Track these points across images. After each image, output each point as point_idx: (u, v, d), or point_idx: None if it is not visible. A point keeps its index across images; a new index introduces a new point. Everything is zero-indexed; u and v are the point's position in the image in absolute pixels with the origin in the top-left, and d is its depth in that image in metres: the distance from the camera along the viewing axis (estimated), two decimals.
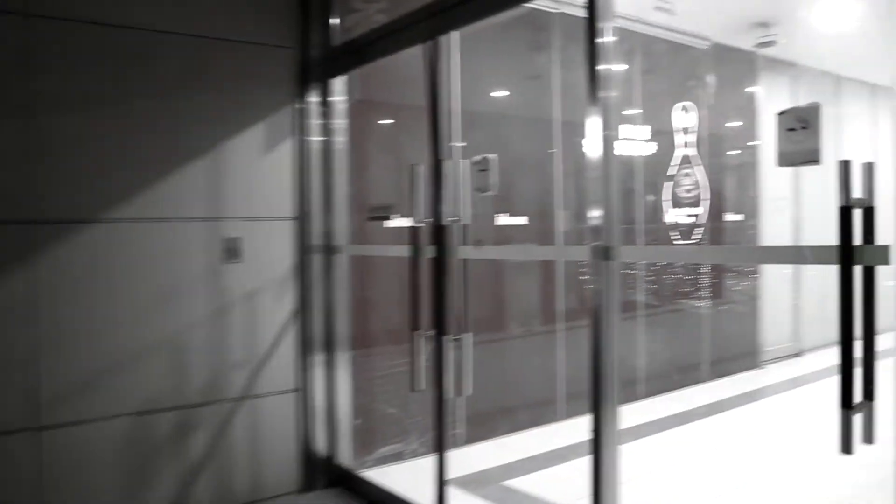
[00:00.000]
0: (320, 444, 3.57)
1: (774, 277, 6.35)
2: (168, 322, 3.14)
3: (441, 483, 2.91)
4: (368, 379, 3.91)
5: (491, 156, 2.75)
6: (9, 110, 2.78)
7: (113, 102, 3.01)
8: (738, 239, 6.16)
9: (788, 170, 5.24)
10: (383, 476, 3.46)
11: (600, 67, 2.23)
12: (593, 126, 2.24)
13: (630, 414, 4.26)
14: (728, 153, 6.23)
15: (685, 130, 5.64)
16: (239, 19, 3.34)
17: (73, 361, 2.92)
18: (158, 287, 3.12)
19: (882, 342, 1.82)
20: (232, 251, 3.31)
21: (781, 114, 1.80)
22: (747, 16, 5.39)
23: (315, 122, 3.54)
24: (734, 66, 6.07)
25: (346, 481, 3.54)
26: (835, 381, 1.70)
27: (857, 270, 1.67)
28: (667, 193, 5.59)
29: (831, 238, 1.70)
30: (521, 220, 4.38)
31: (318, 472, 3.55)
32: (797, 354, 6.48)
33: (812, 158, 1.74)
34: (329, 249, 3.57)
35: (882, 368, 1.74)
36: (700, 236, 5.66)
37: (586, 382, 2.27)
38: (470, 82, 3.21)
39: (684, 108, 5.64)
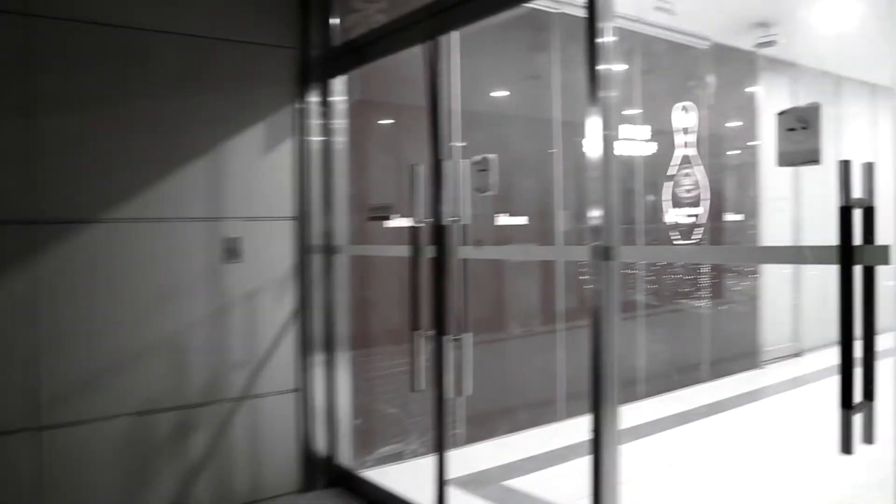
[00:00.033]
0: (320, 444, 3.57)
1: (774, 277, 6.35)
2: (168, 322, 3.15)
3: (441, 483, 2.91)
4: (368, 379, 3.91)
5: (491, 156, 2.75)
6: (9, 110, 2.78)
7: (113, 102, 3.02)
8: (738, 239, 6.15)
9: (788, 170, 5.22)
10: (383, 476, 3.46)
11: (600, 67, 2.23)
12: (593, 126, 2.24)
13: (630, 414, 4.26)
14: (728, 153, 6.22)
15: (685, 130, 5.64)
16: (239, 19, 3.34)
17: (73, 361, 2.92)
18: (158, 287, 3.12)
19: (882, 342, 1.81)
20: (232, 251, 3.31)
21: (781, 114, 1.80)
22: (747, 16, 5.38)
23: (315, 122, 3.54)
24: (734, 66, 6.06)
25: (346, 481, 3.54)
26: (835, 382, 1.70)
27: (857, 270, 1.67)
28: (667, 193, 5.59)
29: (831, 238, 1.69)
30: (521, 220, 4.37)
31: (318, 472, 3.55)
32: (797, 354, 6.48)
33: (812, 158, 1.74)
34: (329, 249, 3.57)
35: (882, 368, 1.74)
36: (700, 236, 5.66)
37: (586, 382, 2.27)
38: (470, 82, 3.22)
39: (684, 108, 5.64)
